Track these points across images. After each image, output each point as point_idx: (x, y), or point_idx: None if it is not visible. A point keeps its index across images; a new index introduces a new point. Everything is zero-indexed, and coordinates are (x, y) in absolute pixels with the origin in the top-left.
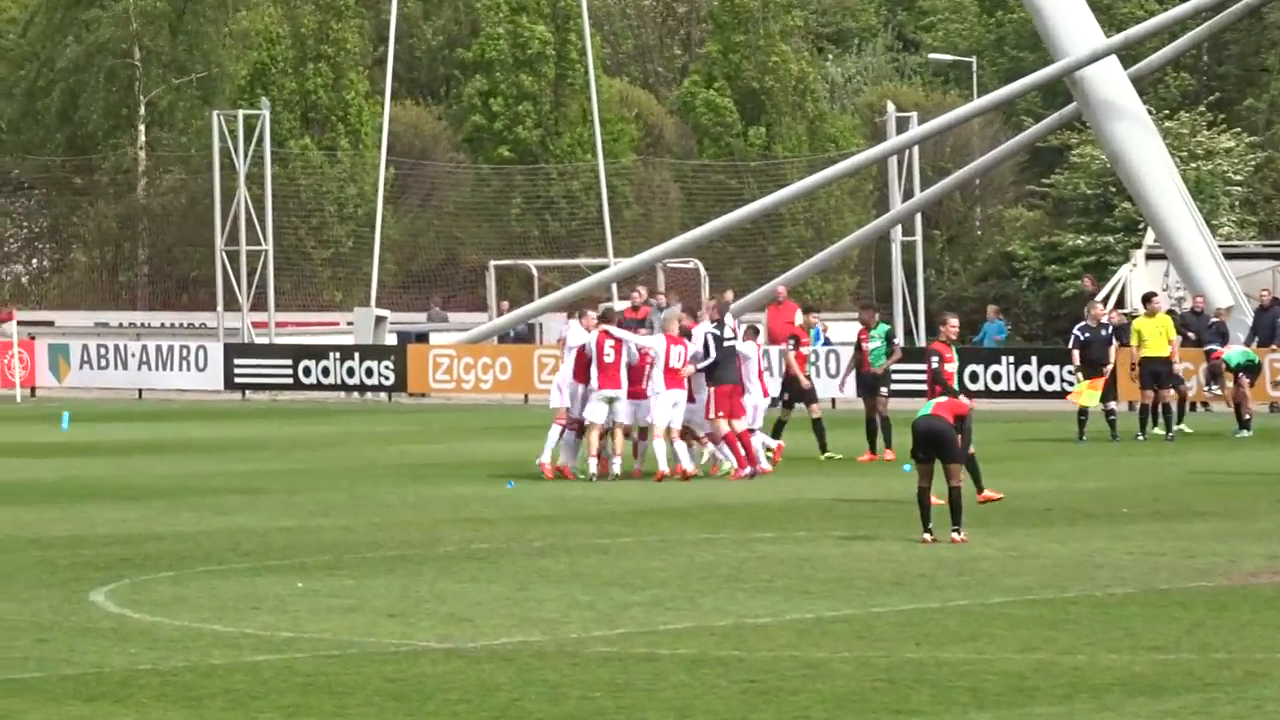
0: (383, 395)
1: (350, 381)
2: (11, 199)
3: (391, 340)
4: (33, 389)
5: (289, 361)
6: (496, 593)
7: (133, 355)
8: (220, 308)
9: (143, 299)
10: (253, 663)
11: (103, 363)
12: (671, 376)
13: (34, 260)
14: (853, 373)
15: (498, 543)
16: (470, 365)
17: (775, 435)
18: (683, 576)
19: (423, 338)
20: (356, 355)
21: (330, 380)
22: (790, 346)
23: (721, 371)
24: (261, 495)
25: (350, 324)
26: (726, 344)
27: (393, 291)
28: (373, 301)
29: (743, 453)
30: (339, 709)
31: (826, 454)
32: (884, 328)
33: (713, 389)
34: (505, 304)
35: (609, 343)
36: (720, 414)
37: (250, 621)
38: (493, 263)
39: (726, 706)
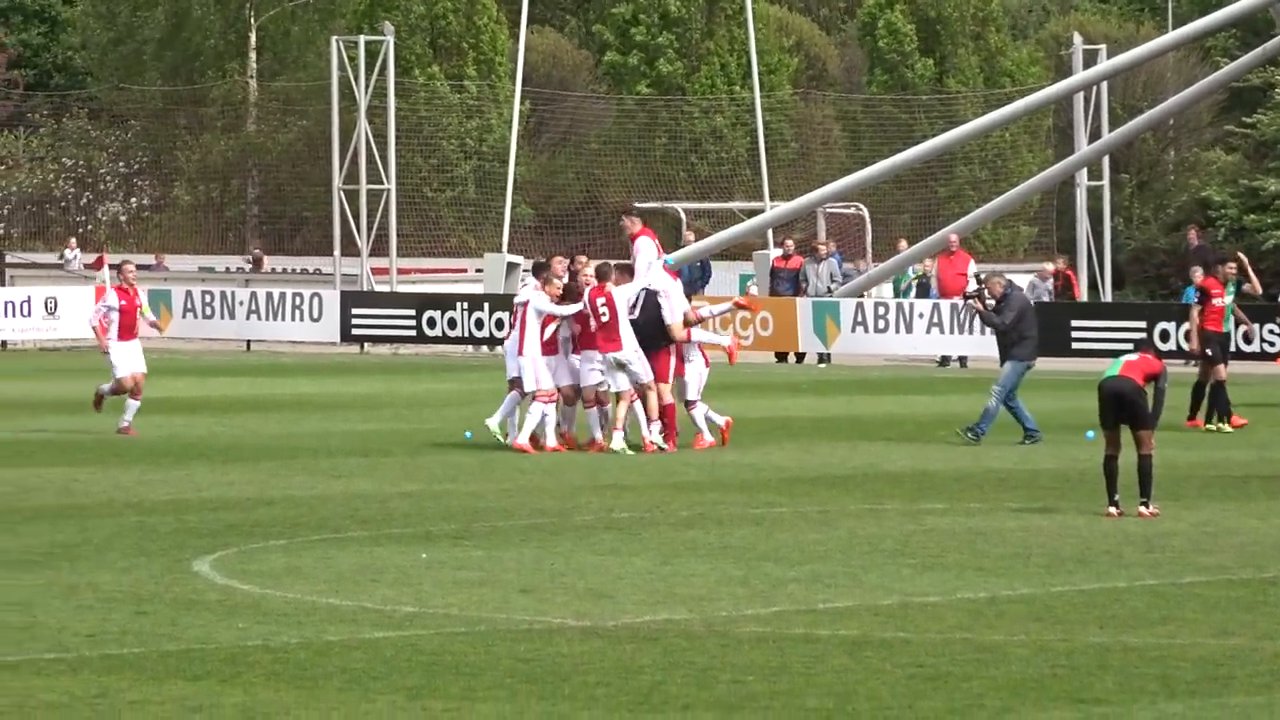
0: None
1: (479, 334)
2: (107, 131)
3: None
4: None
5: (412, 312)
6: (639, 566)
7: (240, 303)
8: (337, 252)
9: (252, 242)
10: (372, 640)
11: (208, 311)
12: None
13: (132, 199)
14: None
15: (640, 512)
16: None
17: (1203, 403)
18: (844, 551)
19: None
20: (486, 305)
21: (457, 333)
22: (1197, 300)
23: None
24: (382, 458)
25: (479, 271)
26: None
27: (526, 236)
28: (504, 247)
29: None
30: (466, 691)
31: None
32: (1237, 283)
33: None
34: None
35: (601, 300)
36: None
37: (369, 595)
38: (636, 205)
39: (891, 693)
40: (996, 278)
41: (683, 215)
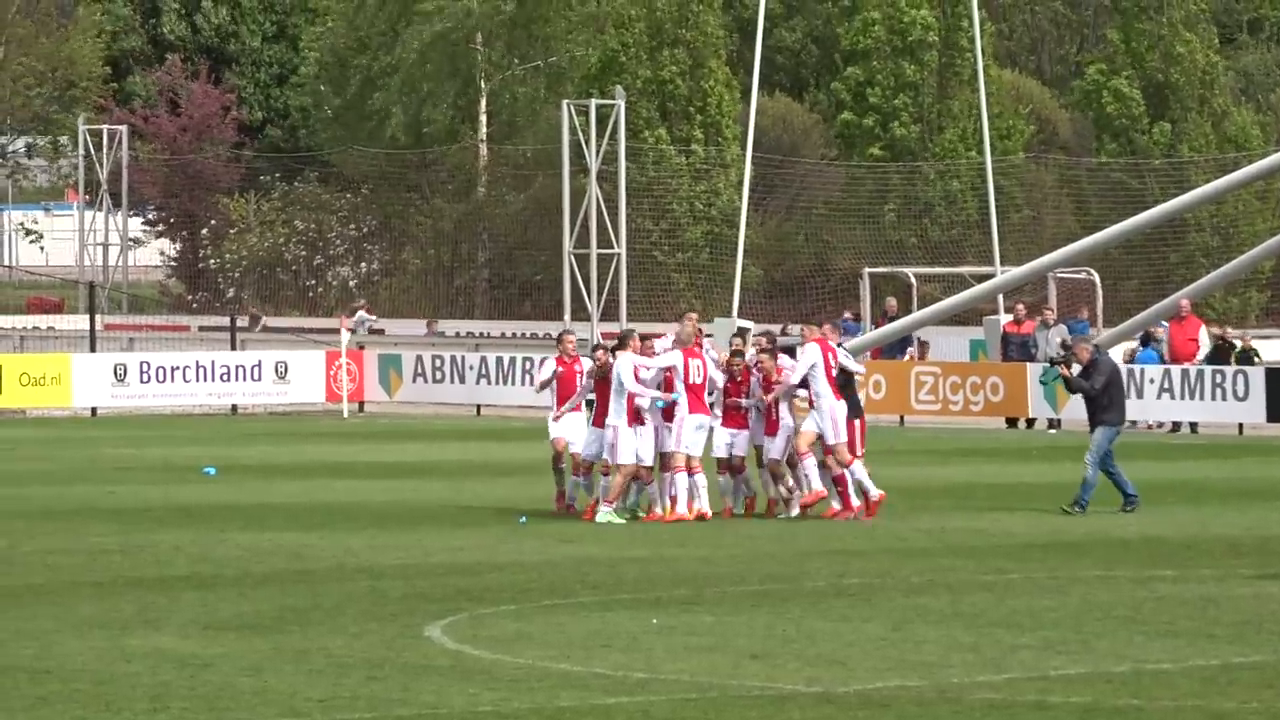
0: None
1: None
2: (337, 195)
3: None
4: (361, 403)
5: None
6: (870, 632)
7: (470, 368)
8: (567, 317)
9: (481, 306)
10: (604, 706)
11: (438, 376)
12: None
13: (361, 263)
14: None
15: (871, 578)
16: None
17: None
18: (1075, 618)
19: (789, 351)
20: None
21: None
22: None
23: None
24: (608, 523)
25: (709, 336)
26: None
27: (756, 300)
28: (734, 311)
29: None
30: None
31: None
32: None
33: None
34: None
35: (695, 362)
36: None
37: (601, 660)
38: (867, 270)
39: None
40: (1084, 343)
41: (913, 280)
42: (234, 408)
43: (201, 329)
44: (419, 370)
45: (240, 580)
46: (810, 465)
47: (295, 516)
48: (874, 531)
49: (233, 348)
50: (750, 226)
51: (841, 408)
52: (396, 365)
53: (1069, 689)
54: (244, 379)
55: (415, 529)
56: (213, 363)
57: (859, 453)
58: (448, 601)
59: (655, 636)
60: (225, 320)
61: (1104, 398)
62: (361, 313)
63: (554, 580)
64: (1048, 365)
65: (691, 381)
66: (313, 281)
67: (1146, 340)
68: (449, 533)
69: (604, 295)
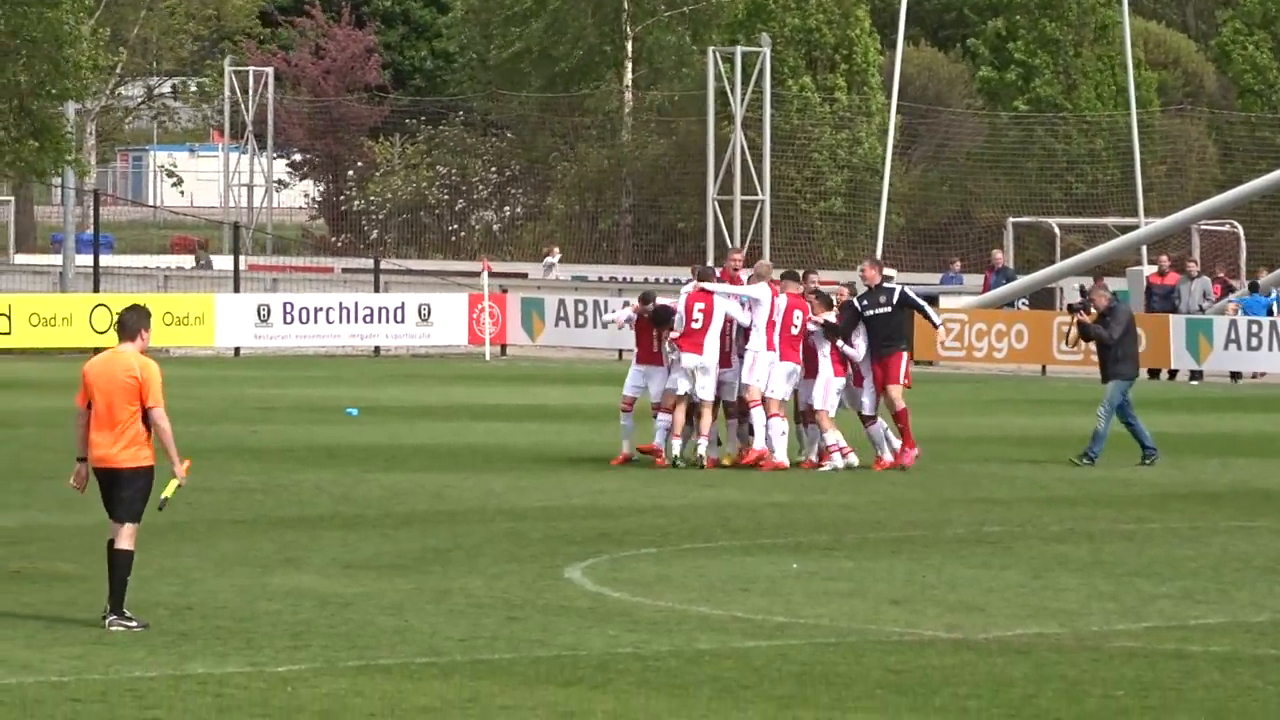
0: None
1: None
2: (482, 140)
3: None
4: (503, 347)
5: None
6: (1010, 580)
7: (613, 312)
8: (710, 262)
9: (624, 252)
10: (742, 649)
11: (580, 320)
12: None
13: (505, 207)
14: None
15: (1012, 525)
16: (983, 332)
17: None
18: (1215, 567)
19: (932, 300)
20: (924, 301)
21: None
22: None
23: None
24: (751, 468)
25: (849, 286)
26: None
27: (898, 249)
28: (879, 255)
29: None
30: (837, 701)
31: None
32: None
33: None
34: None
35: (699, 305)
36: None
37: (740, 604)
38: (1010, 220)
39: (1264, 710)
40: (1102, 289)
41: (1057, 231)
42: (376, 349)
43: (345, 271)
44: (561, 314)
45: (381, 520)
46: (762, 421)
47: (437, 458)
48: (1015, 480)
49: (376, 289)
50: (894, 175)
51: (782, 367)
52: (539, 309)
53: (1208, 638)
54: (387, 321)
55: (557, 471)
56: (356, 304)
57: (898, 404)
58: (588, 544)
59: (795, 581)
60: (369, 262)
61: (1119, 348)
62: (550, 258)
63: (694, 524)
64: (1067, 311)
65: (772, 320)
66: (455, 225)
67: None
68: (590, 476)
69: (747, 242)
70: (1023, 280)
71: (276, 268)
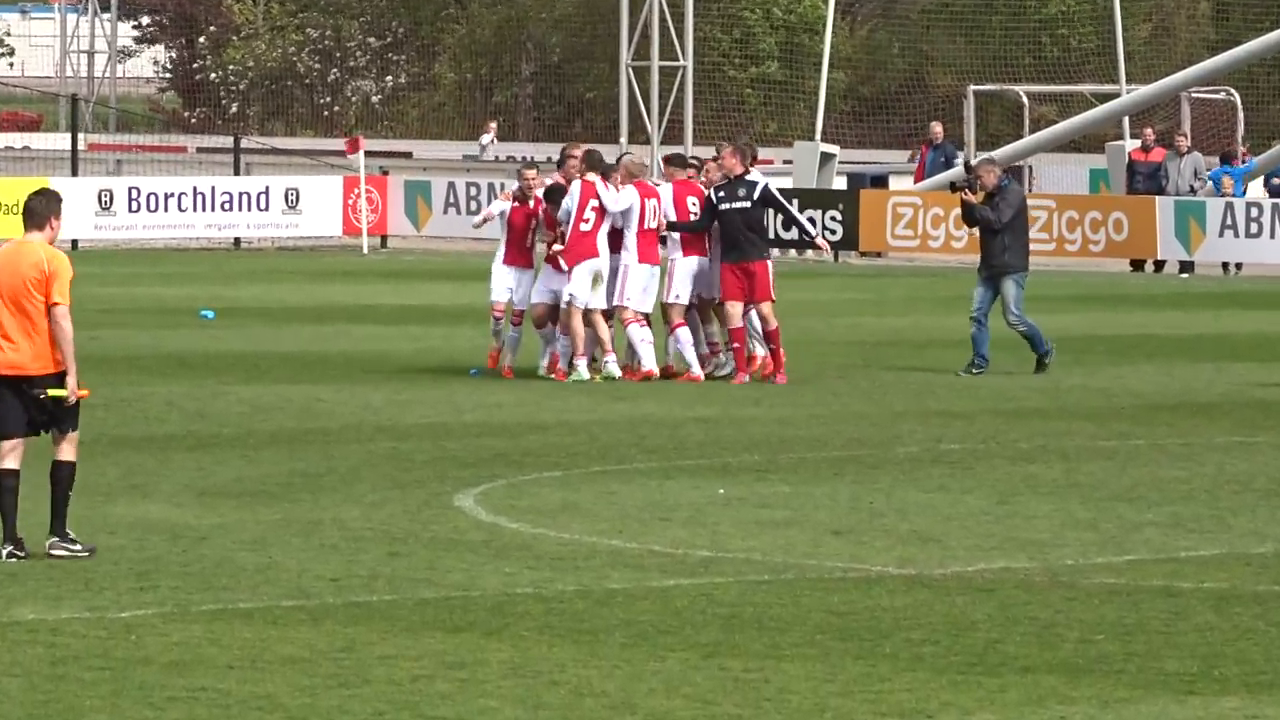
0: (827, 253)
1: (786, 236)
2: None
3: (840, 184)
4: (383, 238)
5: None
6: (972, 506)
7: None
8: (623, 139)
9: (524, 127)
10: (661, 588)
11: (473, 206)
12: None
13: (387, 77)
14: None
15: (974, 443)
16: (940, 218)
17: None
18: (1209, 490)
19: (880, 181)
20: (795, 203)
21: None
22: None
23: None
24: (672, 377)
25: (787, 163)
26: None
27: (842, 122)
28: (817, 135)
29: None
30: (771, 648)
31: None
32: None
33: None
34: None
35: (592, 202)
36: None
37: (659, 536)
38: (972, 88)
39: (1264, 655)
40: (989, 164)
41: (1025, 100)
42: (236, 241)
43: (200, 150)
44: (451, 199)
45: (241, 440)
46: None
47: (306, 367)
48: (977, 390)
49: (236, 172)
50: (836, 35)
51: (641, 270)
52: (425, 193)
53: (1201, 573)
54: (248, 208)
55: (445, 383)
56: (212, 189)
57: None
58: (481, 467)
59: (722, 509)
60: (228, 141)
61: (1007, 234)
62: (485, 136)
63: (606, 443)
64: (950, 189)
65: (646, 226)
66: (328, 98)
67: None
68: (484, 388)
69: (666, 115)
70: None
71: (121, 147)
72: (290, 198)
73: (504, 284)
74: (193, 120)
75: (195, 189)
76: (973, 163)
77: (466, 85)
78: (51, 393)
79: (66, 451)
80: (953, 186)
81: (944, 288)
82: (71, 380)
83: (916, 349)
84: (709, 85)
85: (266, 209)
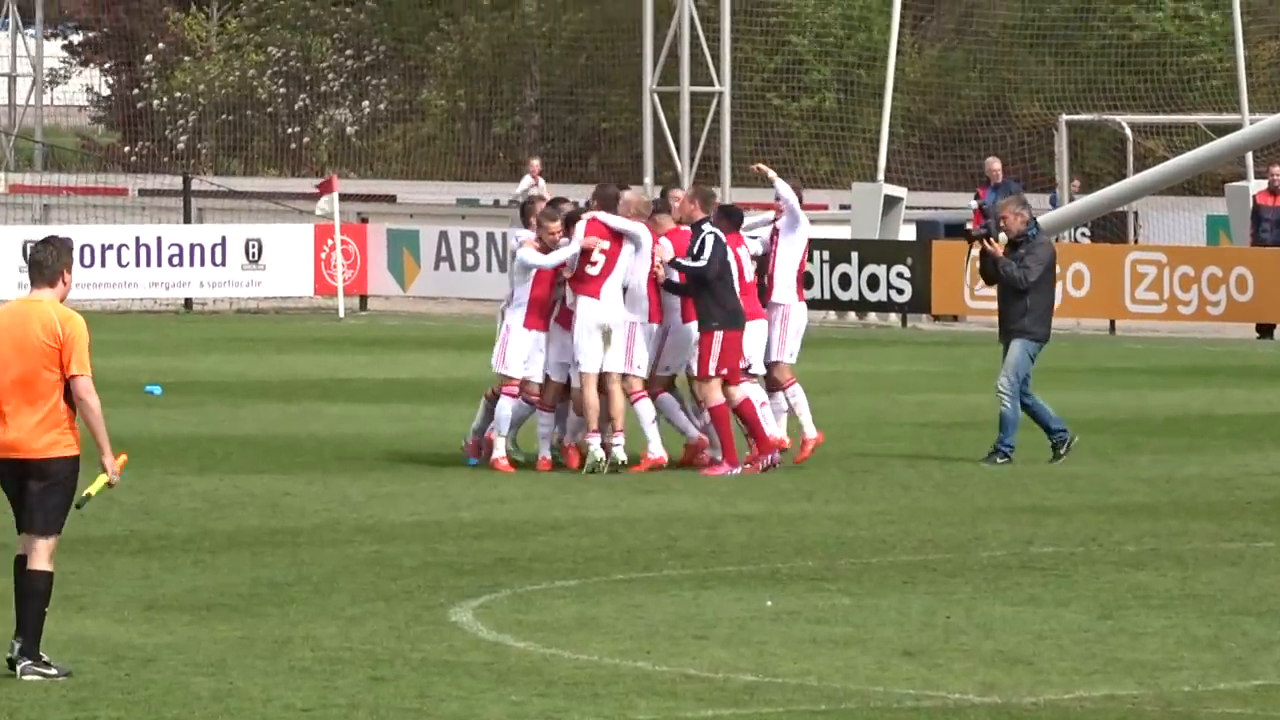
0: (894, 317)
1: (843, 296)
2: (333, 9)
3: (908, 234)
4: (363, 298)
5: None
6: (1069, 621)
7: (513, 249)
8: (649, 178)
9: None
10: (696, 719)
11: (470, 260)
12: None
13: (365, 104)
14: None
15: (1071, 545)
16: None
17: None
18: None
19: (956, 230)
20: (854, 256)
21: (815, 293)
22: None
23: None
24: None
25: (844, 209)
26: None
27: (909, 159)
28: (880, 174)
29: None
30: None
31: None
32: None
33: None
34: (1075, 182)
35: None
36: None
37: (694, 657)
38: (1064, 118)
39: None
40: (1015, 206)
41: (1128, 132)
42: (188, 302)
43: (143, 193)
44: (443, 252)
45: (195, 542)
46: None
47: (272, 454)
48: (1074, 481)
49: (186, 220)
50: (903, 57)
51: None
52: (412, 245)
53: None
54: (201, 263)
55: (438, 473)
56: (158, 240)
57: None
58: (483, 574)
59: (769, 625)
60: (176, 181)
61: (1033, 296)
62: (528, 179)
63: (630, 545)
64: (965, 239)
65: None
66: (296, 128)
67: None
68: (484, 478)
69: (699, 150)
70: (1081, 202)
71: (49, 189)
72: (251, 250)
73: (522, 354)
74: (134, 157)
75: (138, 240)
76: (988, 205)
77: (460, 114)
78: (92, 491)
79: (41, 559)
80: (968, 234)
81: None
82: (106, 460)
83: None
84: (749, 114)
85: (223, 264)
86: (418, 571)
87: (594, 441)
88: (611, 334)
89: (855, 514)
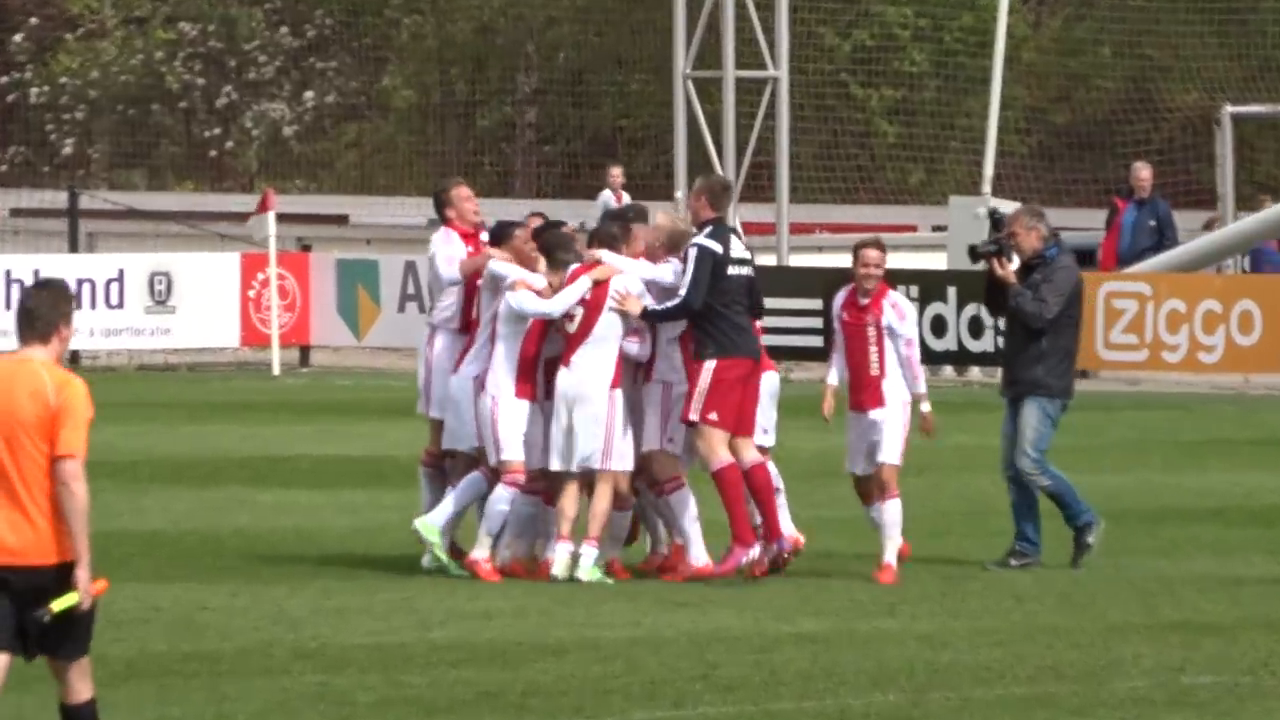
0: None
1: (937, 346)
2: None
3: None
4: (304, 350)
5: (813, 302)
6: None
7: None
8: (680, 191)
9: (523, 175)
10: None
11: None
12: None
13: (308, 94)
14: None
15: (1234, 674)
16: (1180, 315)
17: None
18: None
19: (1086, 258)
20: (951, 293)
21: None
22: None
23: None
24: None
25: (939, 230)
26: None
27: (1024, 165)
28: (986, 184)
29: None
30: None
31: None
32: None
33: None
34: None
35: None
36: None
37: None
38: (1228, 109)
39: None
40: (1031, 218)
41: None
42: (74, 356)
43: (16, 213)
44: (409, 289)
45: (93, 666)
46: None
47: (185, 557)
48: (1239, 589)
49: (73, 248)
50: (1015, 36)
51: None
52: (369, 280)
53: None
54: (93, 303)
55: (403, 579)
56: (36, 274)
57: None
58: (461, 713)
59: None
60: (60, 197)
61: (1054, 336)
62: (607, 191)
63: (656, 676)
64: (971, 257)
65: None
66: (218, 129)
67: None
68: (461, 588)
69: (747, 155)
70: (1246, 223)
71: None
72: (158, 287)
73: (519, 431)
74: (3, 166)
75: (8, 275)
76: (999, 213)
77: (432, 109)
78: (56, 607)
79: (79, 689)
80: (974, 252)
81: (1190, 425)
82: (83, 574)
83: (1147, 523)
84: (814, 108)
85: (121, 305)
86: (375, 710)
87: (586, 550)
88: (574, 414)
89: (952, 633)
